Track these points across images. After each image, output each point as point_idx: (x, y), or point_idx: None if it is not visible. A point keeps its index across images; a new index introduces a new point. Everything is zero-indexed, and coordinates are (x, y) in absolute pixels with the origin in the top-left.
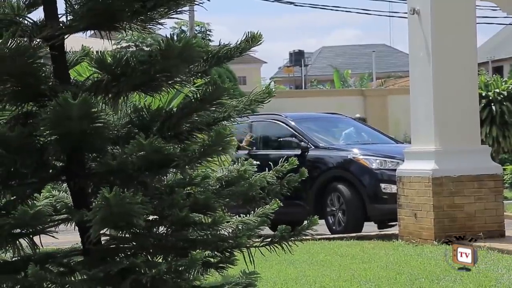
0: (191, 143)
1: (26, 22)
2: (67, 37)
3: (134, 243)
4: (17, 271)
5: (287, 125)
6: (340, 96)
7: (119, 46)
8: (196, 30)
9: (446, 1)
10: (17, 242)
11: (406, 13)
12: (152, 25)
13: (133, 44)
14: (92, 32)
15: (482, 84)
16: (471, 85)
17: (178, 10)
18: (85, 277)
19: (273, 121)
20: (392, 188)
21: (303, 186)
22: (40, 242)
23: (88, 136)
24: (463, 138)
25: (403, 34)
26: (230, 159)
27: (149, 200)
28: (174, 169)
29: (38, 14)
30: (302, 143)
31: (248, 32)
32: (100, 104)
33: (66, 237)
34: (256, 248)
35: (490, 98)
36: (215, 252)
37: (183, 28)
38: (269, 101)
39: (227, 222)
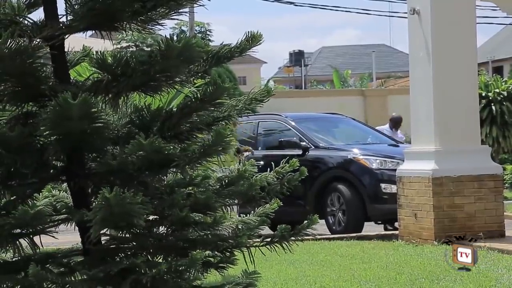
0: (191, 143)
1: (26, 22)
2: (67, 37)
3: (134, 243)
4: (17, 271)
5: (287, 125)
6: (340, 96)
7: (119, 46)
8: (196, 30)
9: (446, 1)
10: (17, 242)
11: (406, 13)
12: (152, 26)
13: (133, 44)
14: (92, 32)
15: (482, 84)
16: (471, 85)
17: (178, 10)
18: (85, 277)
19: (273, 121)
20: (392, 188)
21: (303, 186)
22: (40, 242)
23: (88, 136)
24: (463, 138)
25: (403, 34)
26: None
27: (149, 200)
28: (174, 169)
29: (38, 14)
30: (302, 143)
31: (248, 32)
32: (100, 104)
33: (66, 237)
34: (256, 248)
35: (490, 98)
36: (215, 252)
37: (183, 28)
38: (268, 100)
39: (227, 222)
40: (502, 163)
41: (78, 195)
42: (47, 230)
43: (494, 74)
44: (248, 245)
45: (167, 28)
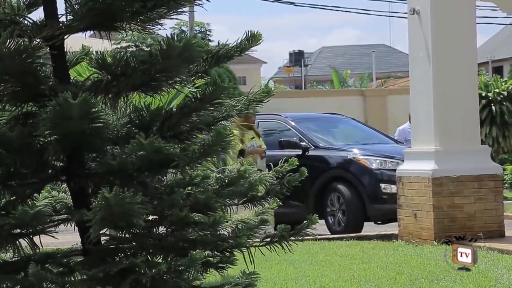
0: (191, 143)
1: (26, 22)
2: (67, 37)
3: (134, 243)
4: (17, 271)
5: (287, 125)
6: (340, 96)
7: (119, 46)
8: (196, 30)
9: (446, 1)
10: (17, 242)
11: (406, 13)
12: (152, 25)
13: (133, 44)
14: (92, 32)
15: (482, 84)
16: (471, 85)
17: (178, 10)
18: (85, 277)
19: (273, 121)
20: (392, 188)
21: (303, 186)
22: (40, 242)
23: (88, 136)
24: (463, 138)
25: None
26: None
27: (149, 200)
28: (174, 169)
29: (38, 14)
30: (302, 143)
31: (248, 31)
32: (100, 104)
33: (66, 237)
34: (256, 248)
35: (490, 98)
36: (215, 252)
37: (183, 28)
38: (268, 100)
39: (227, 222)
40: (502, 163)
41: (78, 195)
42: (47, 230)
43: (494, 74)
44: (247, 245)
45: (166, 28)
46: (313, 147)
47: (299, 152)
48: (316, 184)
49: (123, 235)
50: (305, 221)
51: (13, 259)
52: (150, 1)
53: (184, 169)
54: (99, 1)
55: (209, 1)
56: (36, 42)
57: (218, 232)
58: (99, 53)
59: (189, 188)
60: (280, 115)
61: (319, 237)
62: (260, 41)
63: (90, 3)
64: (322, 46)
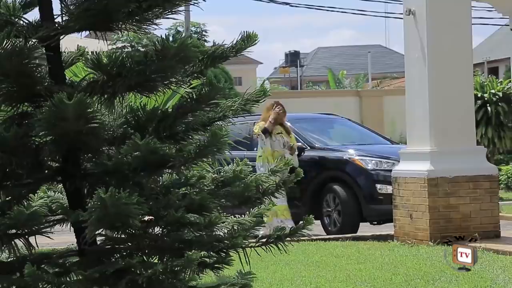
0: (187, 144)
1: (21, 22)
2: (62, 38)
3: (130, 244)
4: (13, 272)
5: None
6: (335, 97)
7: (114, 47)
8: (191, 31)
9: (441, 2)
10: (13, 242)
11: (401, 13)
12: (148, 26)
13: (128, 44)
14: (88, 32)
15: (478, 85)
16: (466, 86)
17: (173, 10)
18: (80, 277)
19: None
20: (388, 189)
21: (299, 186)
22: (36, 242)
23: (84, 136)
24: (458, 139)
25: (399, 35)
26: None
27: (144, 201)
28: (170, 170)
29: (33, 15)
30: (298, 143)
31: (244, 32)
32: (96, 104)
33: (62, 237)
34: (252, 249)
35: (486, 99)
36: (211, 253)
37: (178, 28)
38: (264, 100)
39: (223, 222)
40: (497, 164)
41: (74, 195)
42: (43, 230)
43: (489, 75)
44: (243, 245)
45: (162, 28)
46: (308, 148)
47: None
48: (311, 184)
49: (119, 236)
50: (301, 222)
51: (9, 260)
52: (145, 2)
53: (180, 170)
54: (95, 2)
55: (204, 0)
56: (32, 43)
57: (214, 233)
58: (94, 54)
59: (184, 188)
60: None
61: (314, 237)
62: (256, 41)
63: (85, 3)
64: (318, 46)
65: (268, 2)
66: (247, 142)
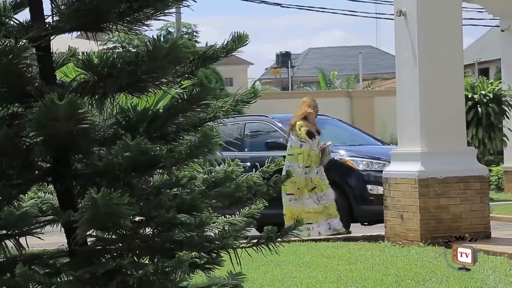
0: (178, 144)
1: (12, 23)
2: (53, 38)
3: (121, 244)
4: (3, 272)
5: (273, 126)
6: (326, 98)
7: (105, 47)
8: (182, 31)
9: (432, 3)
10: (3, 243)
11: (392, 14)
12: (139, 26)
13: (119, 45)
14: (79, 33)
15: (468, 86)
16: (457, 87)
17: (164, 11)
18: (71, 278)
19: (260, 122)
20: (379, 190)
21: None
22: (26, 243)
23: (74, 137)
24: (449, 140)
25: (390, 36)
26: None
27: (135, 201)
28: (161, 170)
29: (24, 15)
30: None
31: (235, 32)
32: (87, 105)
33: (52, 238)
34: (243, 249)
35: (476, 100)
36: (202, 253)
37: (170, 29)
38: (255, 101)
39: (214, 223)
40: (488, 165)
41: (64, 196)
42: (33, 231)
43: (480, 76)
44: (234, 246)
45: (153, 29)
46: None
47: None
48: None
49: (109, 236)
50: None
51: None
52: (136, 2)
53: (171, 170)
54: (85, 2)
55: (195, 1)
56: (23, 43)
57: (205, 233)
58: (85, 54)
59: (175, 189)
60: (267, 116)
61: (305, 238)
62: (247, 42)
63: (76, 4)
64: (309, 47)
65: (259, 2)
66: (238, 143)
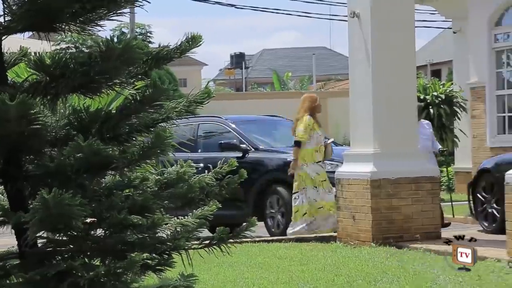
0: (131, 145)
1: None
2: (5, 38)
3: (72, 246)
4: None
5: (227, 127)
6: (280, 99)
7: (58, 48)
8: (136, 32)
9: (385, 5)
10: None
11: (346, 16)
12: (92, 27)
13: (72, 45)
14: (31, 33)
15: (421, 87)
16: (409, 88)
17: (118, 12)
18: (21, 280)
19: (213, 123)
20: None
21: (243, 188)
22: None
23: (26, 138)
24: (401, 141)
25: (344, 37)
26: None
27: (87, 202)
28: (113, 171)
29: None
30: (242, 145)
31: (188, 33)
32: (39, 105)
33: (2, 240)
34: (195, 250)
35: (428, 101)
36: (154, 255)
37: (123, 30)
38: (208, 102)
39: (166, 224)
40: (439, 166)
41: (15, 197)
42: None
43: (432, 77)
44: (186, 247)
45: (107, 30)
46: (253, 149)
47: (239, 154)
48: (255, 186)
49: (60, 238)
50: (244, 223)
51: None
52: (89, 3)
53: (123, 171)
54: (37, 2)
55: (149, 2)
56: None
57: (157, 235)
58: (37, 54)
59: (127, 190)
60: (221, 117)
61: (258, 239)
62: (201, 43)
63: (28, 4)
64: (263, 48)
65: (214, 3)
66: (191, 144)
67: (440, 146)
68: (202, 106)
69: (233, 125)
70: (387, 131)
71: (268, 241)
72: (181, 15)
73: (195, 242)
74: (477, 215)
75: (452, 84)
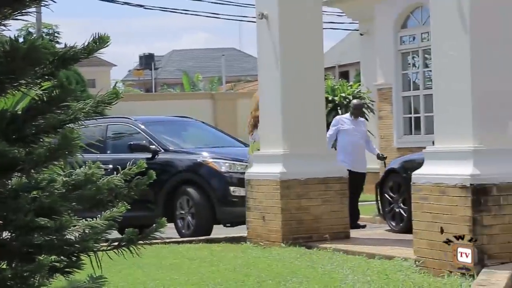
0: (38, 147)
1: None
2: None
3: None
4: None
5: (136, 128)
6: (190, 100)
7: None
8: (43, 32)
9: (293, 6)
10: None
11: (255, 17)
12: None
13: None
14: None
15: (329, 88)
16: (318, 89)
17: (23, 11)
18: None
19: (122, 124)
20: (241, 191)
21: (153, 189)
22: None
23: None
24: (310, 142)
25: (253, 38)
26: None
27: None
28: (19, 173)
29: None
30: (152, 146)
31: (96, 33)
32: None
33: None
34: (104, 252)
35: (337, 102)
36: (62, 257)
37: (30, 29)
38: (117, 102)
39: (74, 226)
40: None
41: None
42: None
43: (340, 79)
44: (95, 249)
45: (12, 30)
46: (162, 151)
47: (149, 155)
48: (165, 187)
49: None
50: (153, 225)
51: None
52: None
53: (30, 173)
54: None
55: (55, 2)
56: None
57: (65, 237)
58: None
59: (34, 192)
60: (130, 118)
61: (168, 240)
62: (108, 43)
63: None
64: (172, 49)
65: (123, 4)
66: (100, 145)
67: (378, 151)
68: (110, 107)
69: (142, 126)
70: (296, 132)
71: (178, 242)
72: (90, 15)
73: (104, 244)
74: (385, 215)
75: (359, 85)
